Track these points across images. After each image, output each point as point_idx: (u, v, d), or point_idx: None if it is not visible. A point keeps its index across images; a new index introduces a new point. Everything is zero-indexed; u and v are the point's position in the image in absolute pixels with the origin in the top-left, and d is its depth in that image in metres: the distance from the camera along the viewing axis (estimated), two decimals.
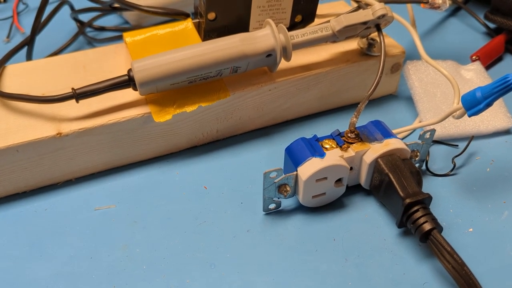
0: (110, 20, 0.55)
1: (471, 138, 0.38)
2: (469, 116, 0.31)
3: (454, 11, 0.57)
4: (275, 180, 0.31)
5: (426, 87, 0.41)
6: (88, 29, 0.53)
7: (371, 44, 0.41)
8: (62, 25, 0.52)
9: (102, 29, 0.53)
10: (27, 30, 0.53)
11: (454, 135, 0.38)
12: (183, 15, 0.40)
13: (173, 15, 0.40)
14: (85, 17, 0.52)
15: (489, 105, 0.31)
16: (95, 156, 0.35)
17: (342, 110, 0.42)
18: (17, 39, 0.52)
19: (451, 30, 0.54)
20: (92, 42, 0.52)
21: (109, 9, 0.49)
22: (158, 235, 0.32)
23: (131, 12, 0.52)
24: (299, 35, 0.36)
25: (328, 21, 0.37)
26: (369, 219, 0.33)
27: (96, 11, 0.51)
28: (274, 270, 0.30)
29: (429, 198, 0.30)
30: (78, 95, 0.33)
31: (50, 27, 0.47)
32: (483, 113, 0.39)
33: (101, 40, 0.51)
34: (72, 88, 0.33)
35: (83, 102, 0.34)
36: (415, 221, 0.29)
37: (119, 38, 0.51)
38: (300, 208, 0.33)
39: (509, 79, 0.29)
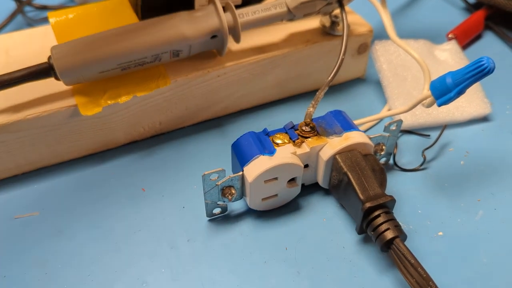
0: None
1: (443, 127, 0.34)
2: (439, 105, 0.27)
3: None
4: (217, 183, 0.27)
5: (395, 70, 0.37)
6: (27, 8, 0.47)
7: (334, 22, 0.36)
8: None
9: (43, 8, 0.48)
10: None
11: (425, 124, 0.35)
12: None
13: None
14: None
15: (460, 93, 0.27)
16: (16, 156, 0.31)
17: (304, 97, 0.38)
18: None
19: (427, 5, 0.49)
20: (32, 24, 0.46)
21: None
22: (85, 247, 0.28)
23: None
24: (249, 13, 0.32)
25: None
26: (327, 223, 0.29)
27: None
28: (216, 287, 0.26)
29: (392, 201, 0.26)
30: None
31: None
32: (458, 98, 0.36)
33: (42, 20, 0.46)
34: None
35: None
36: (376, 228, 0.26)
37: None
38: (250, 212, 0.29)
39: (483, 62, 0.25)
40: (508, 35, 0.44)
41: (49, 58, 0.29)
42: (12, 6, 0.47)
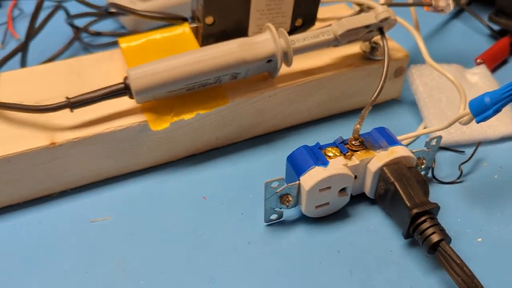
0: (106, 25, 0.54)
1: (477, 144, 0.37)
2: (477, 122, 0.30)
3: (457, 13, 0.56)
4: (277, 190, 0.30)
5: (431, 92, 0.40)
6: (83, 35, 0.52)
7: (374, 48, 0.39)
8: (57, 30, 0.51)
9: (98, 34, 0.52)
10: (22, 36, 0.52)
11: (460, 141, 0.37)
12: (181, 20, 0.39)
13: (170, 20, 0.39)
14: (80, 22, 0.51)
15: (498, 111, 0.29)
16: (91, 166, 0.34)
17: (345, 116, 0.41)
18: (12, 45, 0.51)
19: (455, 32, 0.53)
20: (88, 48, 0.50)
21: (105, 14, 0.48)
22: (156, 248, 0.31)
23: (128, 17, 0.51)
24: (300, 39, 0.35)
25: (330, 25, 0.36)
26: (375, 229, 0.32)
27: (91, 16, 0.50)
28: (276, 284, 0.29)
29: (436, 208, 0.29)
30: (73, 104, 0.32)
31: (45, 32, 0.46)
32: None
33: (97, 46, 0.50)
34: (67, 97, 0.32)
35: (77, 110, 0.33)
36: (423, 232, 0.28)
37: (116, 43, 0.50)
38: (303, 219, 0.32)
39: None
40: None
41: (125, 78, 0.32)
42: (69, 32, 0.52)
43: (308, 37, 0.35)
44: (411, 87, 0.41)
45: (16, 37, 0.52)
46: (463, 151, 0.37)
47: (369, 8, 0.39)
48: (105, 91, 0.32)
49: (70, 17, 0.48)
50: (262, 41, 0.34)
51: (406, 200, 0.29)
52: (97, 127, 0.33)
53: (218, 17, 0.36)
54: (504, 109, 0.39)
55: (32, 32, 0.42)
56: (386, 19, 0.36)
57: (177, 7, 0.52)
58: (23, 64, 0.43)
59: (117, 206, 0.33)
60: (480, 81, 0.42)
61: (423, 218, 0.29)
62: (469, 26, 0.54)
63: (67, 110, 0.32)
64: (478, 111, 0.30)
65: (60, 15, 0.49)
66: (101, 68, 0.38)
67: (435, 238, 0.28)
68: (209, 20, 0.36)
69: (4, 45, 0.51)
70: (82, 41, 0.51)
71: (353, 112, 0.41)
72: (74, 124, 0.33)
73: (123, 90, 0.32)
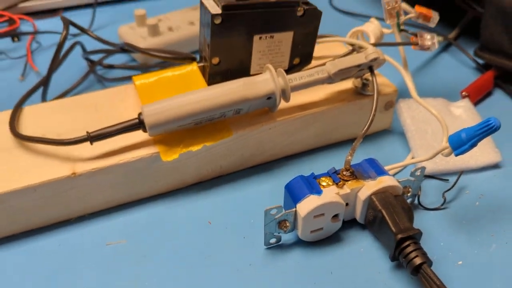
0: (119, 58, 0.58)
1: (460, 173, 0.40)
2: (456, 155, 0.34)
3: (445, 47, 0.60)
4: (276, 217, 0.33)
5: (418, 125, 0.44)
6: (97, 67, 0.55)
7: (365, 84, 0.43)
8: (73, 63, 0.54)
9: (110, 67, 0.55)
10: (40, 69, 0.56)
11: (444, 170, 0.41)
12: (190, 59, 0.42)
13: (181, 59, 0.42)
14: (95, 56, 0.55)
15: (473, 145, 0.33)
16: (107, 194, 0.37)
17: (339, 146, 0.44)
18: (31, 77, 0.55)
19: (443, 65, 0.57)
20: (102, 81, 0.54)
21: (120, 51, 0.51)
22: (166, 269, 0.34)
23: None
24: (297, 78, 0.39)
25: (324, 64, 0.40)
26: (365, 252, 0.35)
27: (107, 52, 0.53)
28: None
29: (419, 233, 0.32)
30: (92, 138, 0.35)
31: (61, 65, 0.50)
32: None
33: (111, 80, 0.54)
34: (87, 132, 0.35)
35: (95, 143, 0.36)
36: (407, 255, 0.31)
37: (128, 77, 0.53)
38: (299, 242, 0.35)
39: (491, 122, 0.31)
40: None
41: (139, 114, 0.36)
42: (84, 65, 0.55)
43: (304, 76, 0.39)
44: (400, 119, 0.45)
45: (35, 70, 0.56)
46: (447, 179, 0.40)
47: (361, 48, 0.43)
48: (121, 126, 0.36)
49: (86, 53, 0.52)
50: (262, 80, 0.38)
51: (392, 226, 0.33)
52: (113, 158, 0.36)
53: (223, 58, 0.40)
54: (485, 141, 0.42)
55: (53, 68, 0.46)
56: (375, 59, 0.40)
57: (182, 42, 0.56)
58: (43, 97, 0.47)
59: (130, 230, 0.37)
60: (464, 114, 0.45)
61: (407, 243, 0.32)
62: (456, 60, 0.57)
63: (86, 143, 0.36)
64: (456, 145, 0.33)
65: (76, 50, 0.53)
66: (116, 103, 0.42)
67: (417, 261, 0.31)
68: (215, 60, 0.40)
69: (24, 78, 0.55)
70: (96, 73, 0.54)
71: (346, 142, 0.45)
72: (92, 155, 0.36)
73: (138, 125, 0.36)
